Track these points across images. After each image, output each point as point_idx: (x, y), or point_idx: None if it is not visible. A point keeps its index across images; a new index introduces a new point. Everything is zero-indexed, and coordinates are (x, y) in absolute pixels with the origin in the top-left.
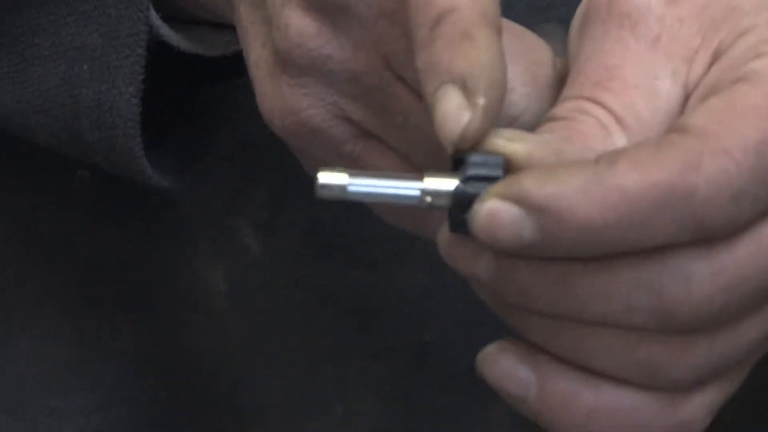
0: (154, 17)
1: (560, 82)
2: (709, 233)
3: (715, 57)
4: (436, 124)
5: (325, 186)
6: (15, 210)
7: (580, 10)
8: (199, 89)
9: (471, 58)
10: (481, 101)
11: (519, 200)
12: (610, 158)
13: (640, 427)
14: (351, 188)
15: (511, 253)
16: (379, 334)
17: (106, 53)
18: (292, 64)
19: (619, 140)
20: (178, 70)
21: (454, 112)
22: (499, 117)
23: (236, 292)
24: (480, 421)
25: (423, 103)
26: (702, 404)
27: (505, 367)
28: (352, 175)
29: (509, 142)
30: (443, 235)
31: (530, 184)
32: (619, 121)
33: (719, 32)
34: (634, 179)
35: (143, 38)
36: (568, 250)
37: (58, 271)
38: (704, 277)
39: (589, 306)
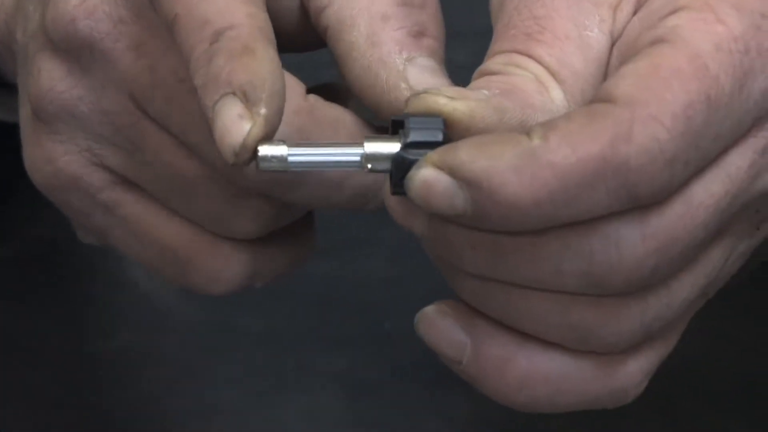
0: None
1: (309, 112)
2: (642, 201)
3: (638, 5)
4: (216, 135)
5: (265, 158)
6: None
7: None
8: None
9: (252, 70)
10: (262, 110)
11: (452, 171)
12: (542, 132)
13: (574, 392)
14: (292, 158)
15: (444, 218)
16: (339, 323)
17: None
18: (44, 110)
19: (556, 93)
20: None
21: (235, 122)
22: (277, 127)
23: None
24: (441, 409)
25: (174, 140)
26: (637, 368)
27: (441, 328)
28: (291, 145)
29: (451, 101)
30: (386, 192)
31: (464, 156)
32: (553, 75)
33: None
34: (565, 155)
35: None
36: (499, 224)
37: None
38: (635, 241)
39: (518, 270)
